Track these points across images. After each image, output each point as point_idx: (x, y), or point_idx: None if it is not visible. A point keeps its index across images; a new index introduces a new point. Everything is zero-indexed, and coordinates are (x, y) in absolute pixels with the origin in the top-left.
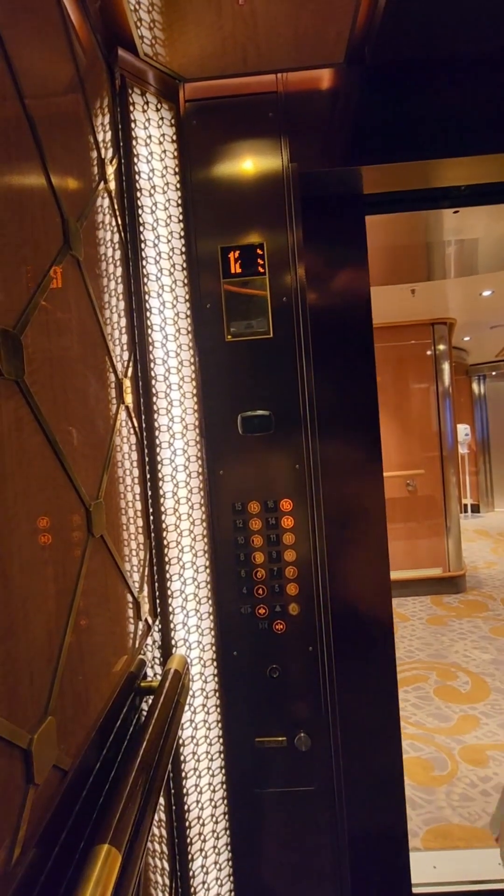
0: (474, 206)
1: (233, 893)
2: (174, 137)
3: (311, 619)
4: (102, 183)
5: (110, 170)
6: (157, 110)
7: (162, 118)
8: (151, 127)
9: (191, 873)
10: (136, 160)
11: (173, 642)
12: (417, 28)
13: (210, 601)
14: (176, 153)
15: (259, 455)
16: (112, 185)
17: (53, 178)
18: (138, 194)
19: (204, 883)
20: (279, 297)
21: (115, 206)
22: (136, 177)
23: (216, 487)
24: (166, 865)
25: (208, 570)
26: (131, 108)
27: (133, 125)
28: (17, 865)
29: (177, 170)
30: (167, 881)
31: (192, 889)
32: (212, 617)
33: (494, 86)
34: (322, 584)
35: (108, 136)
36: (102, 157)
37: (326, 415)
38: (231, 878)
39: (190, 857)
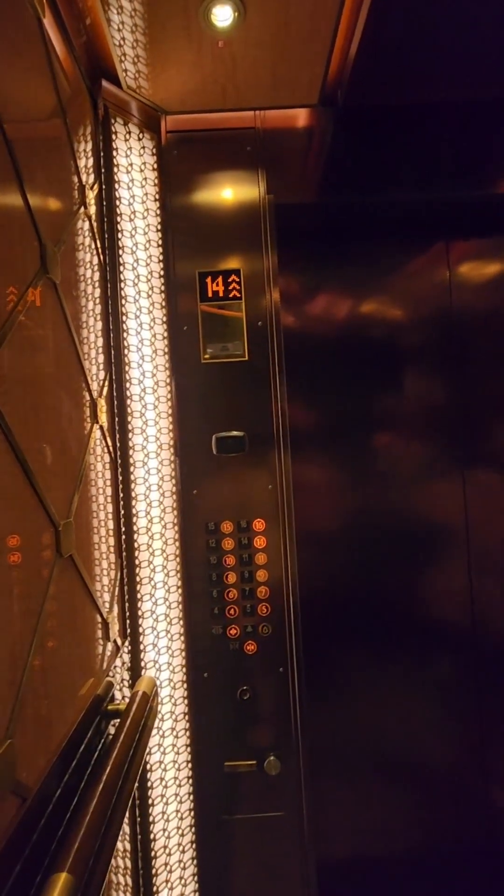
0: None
1: None
2: (155, 166)
3: (283, 640)
4: (83, 207)
5: (91, 195)
6: (139, 139)
7: (144, 147)
8: (133, 155)
9: None
10: (117, 186)
11: (143, 664)
12: (385, 77)
13: (181, 621)
14: (157, 180)
15: (233, 475)
16: (92, 210)
17: (32, 202)
18: (119, 219)
19: None
20: (255, 320)
21: (95, 230)
22: (117, 202)
23: (189, 507)
24: None
25: (180, 590)
26: (114, 136)
27: (115, 153)
28: None
29: (157, 196)
30: None
31: None
32: (183, 637)
33: (455, 132)
34: (293, 604)
35: (90, 162)
36: (83, 182)
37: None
38: None
39: (155, 888)
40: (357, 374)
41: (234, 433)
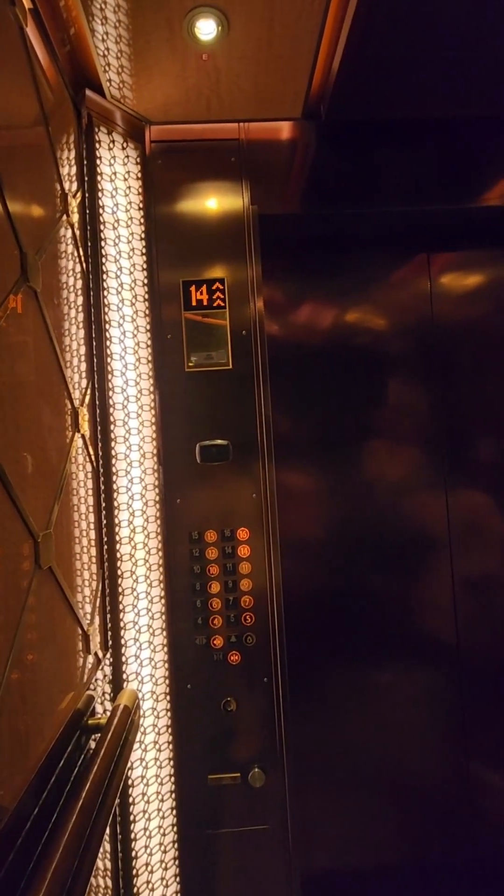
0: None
1: None
2: (139, 175)
3: (267, 650)
4: (65, 215)
5: (74, 203)
6: (123, 149)
7: (128, 156)
8: (117, 164)
9: None
10: (100, 194)
11: (125, 676)
12: (367, 92)
13: (164, 632)
14: (141, 190)
15: (217, 484)
16: (75, 218)
17: (13, 209)
18: (102, 227)
19: None
20: (239, 329)
21: (78, 238)
22: (101, 210)
23: (173, 516)
24: None
25: (163, 601)
26: (97, 145)
27: (98, 161)
28: None
29: (141, 205)
30: None
31: None
32: (166, 649)
33: (438, 147)
34: (278, 613)
35: (74, 170)
36: (66, 190)
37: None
38: None
39: None
40: (341, 383)
41: (219, 442)
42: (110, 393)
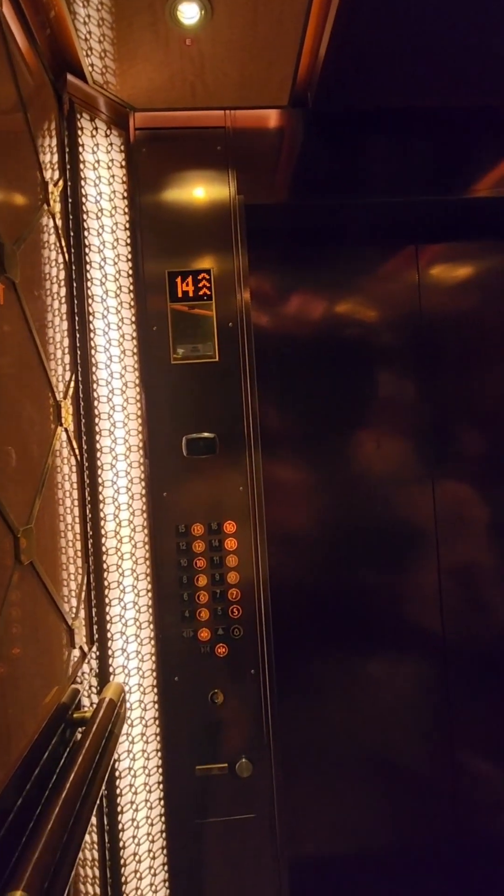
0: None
1: None
2: (123, 163)
3: (254, 642)
4: (46, 204)
5: (55, 192)
6: (107, 136)
7: (111, 144)
8: (100, 152)
9: None
10: (83, 183)
11: (112, 669)
12: (355, 80)
13: (151, 625)
14: (125, 178)
15: (203, 477)
16: (57, 208)
17: None
18: (85, 217)
19: None
20: (225, 321)
21: (60, 228)
22: (83, 199)
23: (160, 509)
24: None
25: (150, 594)
26: (79, 132)
27: (81, 149)
28: None
29: (125, 194)
30: None
31: None
32: (152, 642)
33: (427, 137)
34: (265, 606)
35: (55, 158)
36: (46, 178)
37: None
38: None
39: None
40: (328, 375)
41: (205, 435)
42: (95, 386)
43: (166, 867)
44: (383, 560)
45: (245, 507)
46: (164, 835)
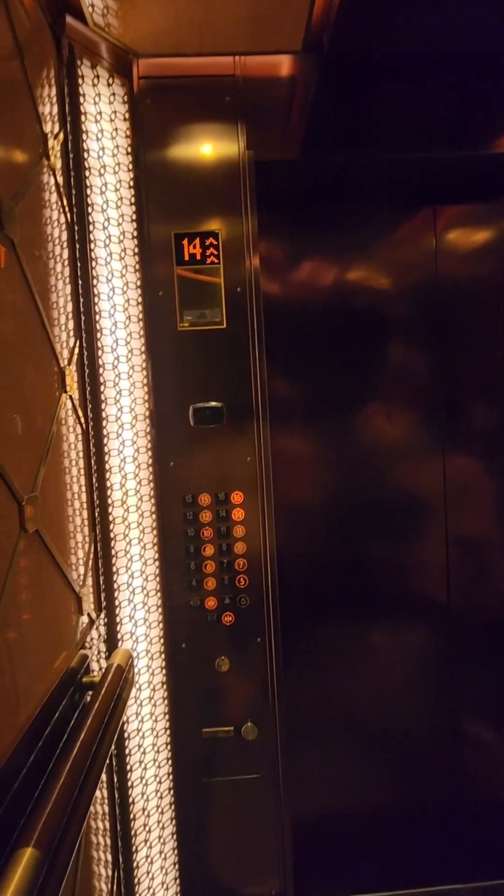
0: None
1: (178, 881)
2: (127, 115)
3: (260, 611)
4: (46, 159)
5: (56, 146)
6: (109, 85)
7: (114, 94)
8: (102, 103)
9: (135, 864)
10: (84, 137)
11: (120, 636)
12: (374, 21)
13: (158, 594)
14: (129, 132)
15: (210, 447)
16: (57, 164)
17: None
18: (87, 173)
19: (148, 872)
20: (234, 286)
21: (61, 185)
22: (85, 154)
23: (166, 479)
24: (109, 857)
25: (157, 563)
26: (80, 80)
27: (82, 99)
28: None
29: (129, 150)
30: (110, 873)
31: (136, 879)
32: (160, 609)
33: (450, 87)
34: (271, 576)
35: (54, 109)
36: (46, 131)
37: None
38: (176, 866)
39: (134, 848)
40: (339, 344)
41: (213, 404)
42: (99, 353)
43: (174, 821)
44: (391, 532)
45: (253, 478)
46: (171, 792)
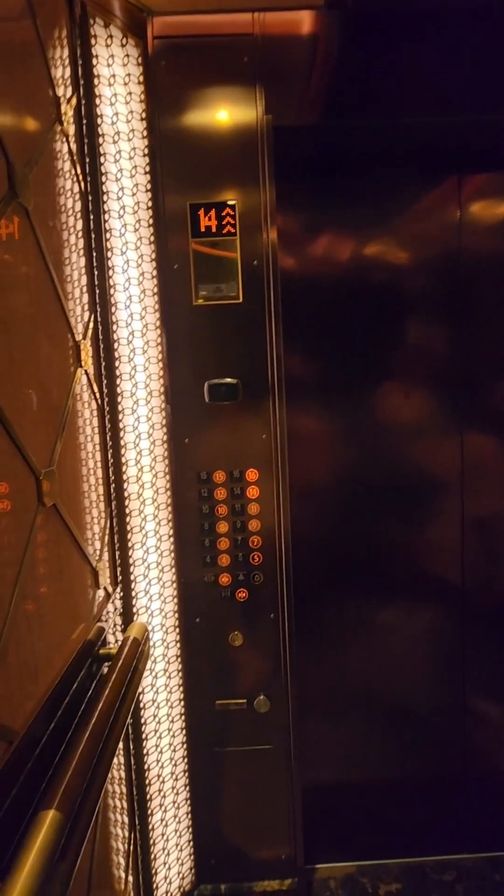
0: None
1: (191, 843)
2: (141, 78)
3: (274, 588)
4: (59, 125)
5: (69, 110)
6: (123, 45)
7: (128, 55)
8: (116, 65)
9: (150, 826)
10: (98, 101)
11: (135, 609)
12: None
13: (173, 569)
14: (143, 96)
15: (225, 424)
16: (71, 129)
17: None
18: (101, 140)
19: (163, 835)
20: (250, 259)
21: (75, 153)
22: (99, 120)
23: (181, 456)
24: (126, 820)
25: (171, 539)
26: (93, 40)
27: (95, 61)
28: None
29: (143, 115)
30: (127, 834)
31: (152, 840)
32: (174, 585)
33: (481, 44)
34: (285, 553)
35: (67, 72)
36: (59, 95)
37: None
38: (190, 830)
39: (149, 811)
40: (356, 319)
41: (228, 380)
42: (114, 327)
43: (188, 788)
44: (406, 511)
45: (268, 456)
46: (185, 760)
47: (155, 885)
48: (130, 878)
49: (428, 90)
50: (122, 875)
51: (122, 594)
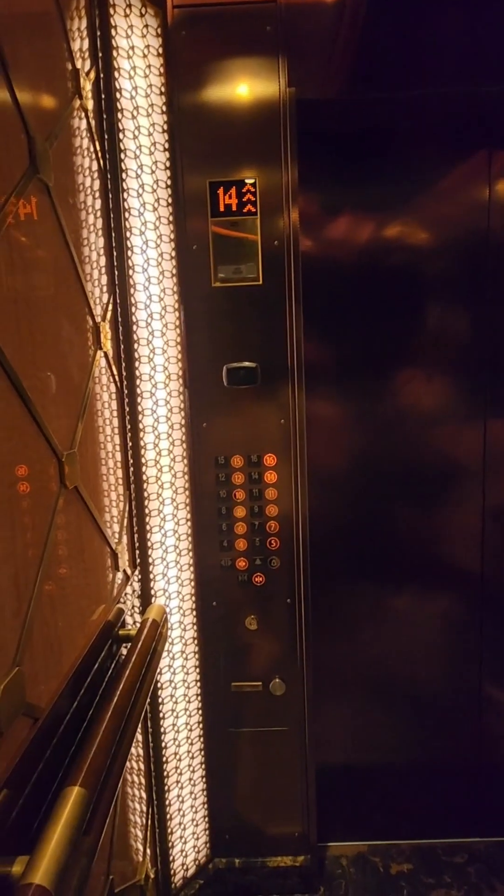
0: None
1: (206, 819)
2: (160, 51)
3: (291, 573)
4: (78, 99)
5: (87, 85)
6: (142, 16)
7: (147, 26)
8: (135, 36)
9: (167, 802)
10: (117, 74)
11: (153, 592)
12: None
13: (190, 553)
14: (162, 69)
15: (244, 408)
16: (90, 104)
17: (17, 89)
18: (120, 115)
19: (179, 810)
20: (271, 240)
21: (94, 129)
22: (118, 94)
23: (199, 440)
24: (144, 795)
25: (189, 523)
26: (112, 10)
27: (114, 32)
28: None
29: (162, 89)
30: (145, 809)
31: (169, 815)
32: (192, 568)
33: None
34: (303, 538)
35: (85, 44)
36: (78, 68)
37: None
38: (205, 806)
39: (167, 787)
40: (378, 303)
41: (247, 364)
42: (133, 309)
43: (203, 766)
44: (426, 498)
45: (286, 441)
46: (201, 739)
47: (172, 858)
48: (148, 851)
49: (459, 58)
50: (140, 847)
51: (140, 577)
